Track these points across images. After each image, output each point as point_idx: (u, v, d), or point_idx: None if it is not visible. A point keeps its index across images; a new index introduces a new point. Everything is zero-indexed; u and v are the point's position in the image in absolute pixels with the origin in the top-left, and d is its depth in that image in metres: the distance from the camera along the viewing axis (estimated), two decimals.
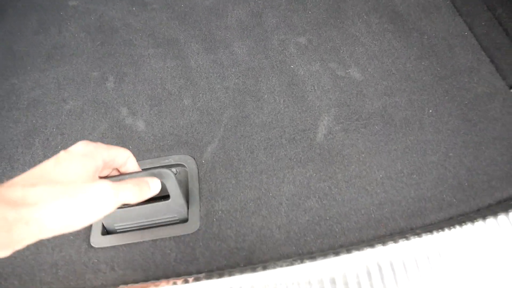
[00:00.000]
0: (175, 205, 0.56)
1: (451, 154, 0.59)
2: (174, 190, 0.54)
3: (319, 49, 0.74)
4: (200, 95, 0.71)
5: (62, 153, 0.40)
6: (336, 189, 0.58)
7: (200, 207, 0.59)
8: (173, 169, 0.62)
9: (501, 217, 0.52)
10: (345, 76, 0.70)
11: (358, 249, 0.53)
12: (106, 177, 0.46)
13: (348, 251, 0.54)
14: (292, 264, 0.53)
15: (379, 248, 0.51)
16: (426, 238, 0.53)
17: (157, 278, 0.54)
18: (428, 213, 0.54)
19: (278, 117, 0.67)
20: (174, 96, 0.72)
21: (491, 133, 0.60)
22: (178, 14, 0.85)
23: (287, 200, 0.58)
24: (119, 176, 0.47)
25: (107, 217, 0.57)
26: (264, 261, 0.54)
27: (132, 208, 0.56)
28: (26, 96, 0.76)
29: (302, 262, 0.54)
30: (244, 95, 0.70)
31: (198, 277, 0.54)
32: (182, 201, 0.56)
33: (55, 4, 0.91)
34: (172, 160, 0.64)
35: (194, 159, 0.63)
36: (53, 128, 0.70)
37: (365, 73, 0.70)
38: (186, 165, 0.63)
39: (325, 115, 0.66)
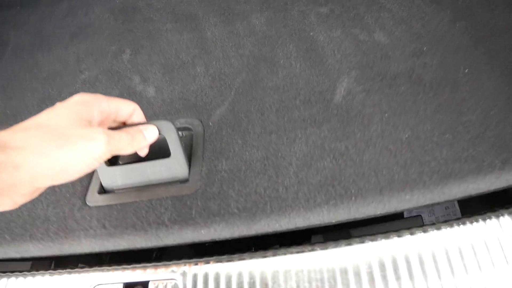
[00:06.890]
0: (175, 163, 0.52)
1: (492, 112, 0.50)
2: (175, 145, 0.50)
3: (341, 17, 0.69)
4: (214, 62, 0.68)
5: (58, 103, 0.39)
6: (354, 149, 0.51)
7: (202, 167, 0.54)
8: (179, 133, 0.58)
9: None
10: (368, 40, 0.64)
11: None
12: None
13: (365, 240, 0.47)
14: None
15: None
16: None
17: (147, 237, 0.49)
18: (464, 175, 0.45)
19: (293, 80, 0.61)
20: (187, 64, 0.69)
21: None
22: None
23: (297, 160, 0.51)
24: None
25: (104, 175, 0.53)
26: (265, 224, 0.47)
27: (130, 165, 0.53)
28: (47, 69, 0.77)
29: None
30: (258, 61, 0.66)
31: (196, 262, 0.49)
32: (183, 158, 0.51)
33: None
34: (178, 123, 0.60)
35: (201, 122, 0.59)
36: (66, 96, 0.69)
37: (391, 37, 0.63)
38: (192, 128, 0.59)
39: (345, 77, 0.59)
